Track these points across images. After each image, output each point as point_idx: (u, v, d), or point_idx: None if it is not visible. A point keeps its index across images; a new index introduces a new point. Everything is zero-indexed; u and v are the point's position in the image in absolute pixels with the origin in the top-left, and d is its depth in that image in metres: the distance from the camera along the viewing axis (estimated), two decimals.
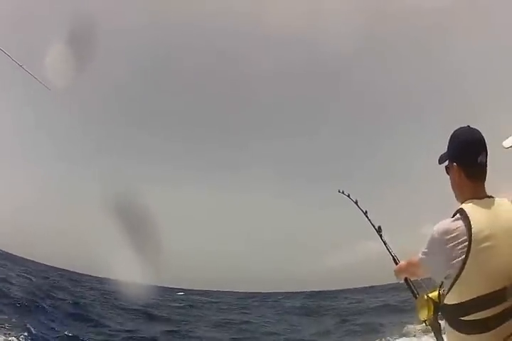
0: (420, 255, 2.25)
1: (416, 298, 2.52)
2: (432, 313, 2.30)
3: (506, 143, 2.44)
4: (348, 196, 3.37)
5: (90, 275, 31.41)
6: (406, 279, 2.67)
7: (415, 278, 2.60)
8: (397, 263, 2.78)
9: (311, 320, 18.56)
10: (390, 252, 2.89)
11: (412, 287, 2.64)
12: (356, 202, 3.30)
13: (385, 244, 2.97)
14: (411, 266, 2.48)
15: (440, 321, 2.35)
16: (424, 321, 2.40)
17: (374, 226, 3.10)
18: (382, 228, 3.07)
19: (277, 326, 17.69)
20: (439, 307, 2.25)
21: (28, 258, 31.23)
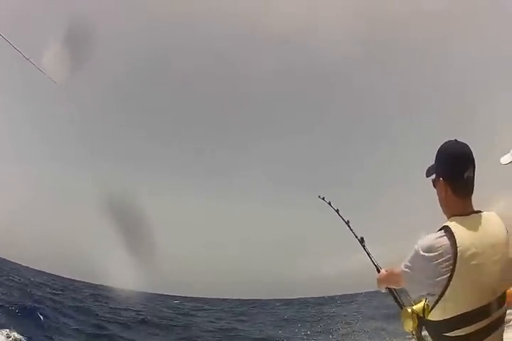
0: (403, 268, 2.23)
1: (401, 308, 2.47)
2: (416, 325, 2.26)
3: (504, 159, 2.55)
4: (329, 204, 3.25)
5: (82, 281, 31.04)
6: (390, 289, 2.63)
7: (397, 288, 2.57)
8: (378, 271, 2.75)
9: (308, 327, 18.07)
10: (373, 262, 2.87)
11: (397, 296, 2.60)
12: (337, 211, 3.19)
13: (368, 254, 2.95)
14: (393, 275, 2.47)
15: (424, 333, 2.34)
16: (411, 332, 2.35)
17: (356, 237, 3.05)
18: (364, 239, 3.04)
19: (273, 334, 17.28)
20: (423, 321, 2.21)
21: (21, 263, 30.84)
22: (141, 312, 19.28)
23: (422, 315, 2.20)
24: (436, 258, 2.02)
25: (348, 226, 3.12)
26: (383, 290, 2.65)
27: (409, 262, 2.17)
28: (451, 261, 2.00)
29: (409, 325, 2.28)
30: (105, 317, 17.12)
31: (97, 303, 20.75)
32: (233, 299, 33.54)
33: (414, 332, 2.33)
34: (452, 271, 1.99)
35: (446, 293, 2.01)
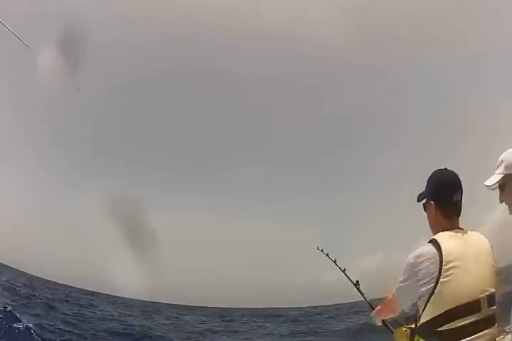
0: (396, 287, 2.45)
1: (393, 332, 2.75)
2: None
3: (488, 182, 2.54)
4: (327, 255, 3.53)
5: (78, 288, 30.70)
6: (383, 320, 2.84)
7: (392, 316, 2.77)
8: (373, 309, 2.91)
9: None
10: (366, 300, 3.14)
11: (389, 325, 2.85)
12: (335, 261, 3.48)
13: (362, 295, 3.22)
14: (387, 302, 2.64)
15: None
16: None
17: (352, 282, 3.32)
18: (360, 282, 3.30)
19: None
20: (415, 331, 2.47)
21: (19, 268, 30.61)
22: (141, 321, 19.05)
23: (414, 326, 2.47)
24: (425, 262, 2.29)
25: (345, 273, 3.40)
26: (379, 324, 2.86)
27: (401, 276, 2.41)
28: (437, 263, 2.26)
29: None
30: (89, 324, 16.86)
31: (98, 312, 20.38)
32: (242, 308, 33.08)
33: None
34: (440, 270, 2.24)
35: (436, 290, 2.24)
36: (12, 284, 20.38)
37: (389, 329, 2.84)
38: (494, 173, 2.52)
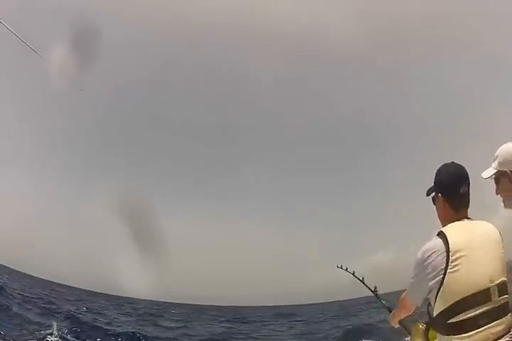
0: (409, 283, 2.48)
1: (409, 333, 2.84)
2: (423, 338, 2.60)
3: (485, 174, 2.68)
4: (346, 270, 3.68)
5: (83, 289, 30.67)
6: (400, 322, 2.89)
7: (407, 314, 2.77)
8: (390, 312, 2.99)
9: None
10: (384, 305, 3.27)
11: (405, 324, 2.91)
12: (353, 273, 3.62)
13: (380, 300, 3.39)
14: (401, 301, 2.68)
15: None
16: None
17: (370, 289, 3.50)
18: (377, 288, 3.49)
19: None
20: (429, 325, 2.50)
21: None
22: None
23: (428, 323, 2.50)
24: (432, 255, 2.32)
25: (363, 282, 3.53)
26: (396, 326, 2.92)
27: (412, 273, 2.45)
28: (445, 255, 2.28)
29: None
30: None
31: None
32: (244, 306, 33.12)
33: None
34: (447, 261, 2.26)
35: (444, 281, 2.25)
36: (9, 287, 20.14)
37: (405, 328, 2.91)
38: (491, 166, 2.68)
